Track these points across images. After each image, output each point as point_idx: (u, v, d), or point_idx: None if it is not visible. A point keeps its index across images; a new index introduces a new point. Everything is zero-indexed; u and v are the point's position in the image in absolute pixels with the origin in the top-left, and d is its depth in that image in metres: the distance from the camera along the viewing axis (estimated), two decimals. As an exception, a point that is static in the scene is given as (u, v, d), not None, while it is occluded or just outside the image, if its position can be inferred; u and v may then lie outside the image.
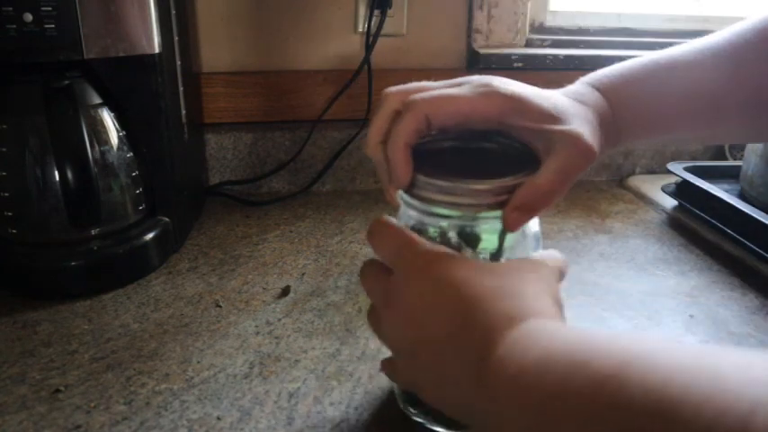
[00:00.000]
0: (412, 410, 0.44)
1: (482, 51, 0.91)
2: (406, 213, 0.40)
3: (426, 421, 0.43)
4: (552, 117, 0.37)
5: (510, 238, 0.38)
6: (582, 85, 0.43)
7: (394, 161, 0.37)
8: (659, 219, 0.83)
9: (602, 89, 0.42)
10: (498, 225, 0.37)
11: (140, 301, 0.59)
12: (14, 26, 0.53)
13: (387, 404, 0.45)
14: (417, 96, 0.37)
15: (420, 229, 0.39)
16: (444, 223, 0.38)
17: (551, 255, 0.38)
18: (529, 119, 0.37)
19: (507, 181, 0.36)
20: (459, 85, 0.39)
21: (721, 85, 0.43)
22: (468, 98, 0.37)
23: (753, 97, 0.43)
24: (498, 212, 0.37)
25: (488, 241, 0.38)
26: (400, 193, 0.39)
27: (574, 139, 0.36)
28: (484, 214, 0.37)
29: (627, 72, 0.44)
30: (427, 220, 0.39)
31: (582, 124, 0.38)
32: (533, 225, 0.40)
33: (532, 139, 0.38)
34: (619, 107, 0.42)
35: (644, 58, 0.45)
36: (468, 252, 0.38)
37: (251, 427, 0.43)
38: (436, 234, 0.39)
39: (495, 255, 0.39)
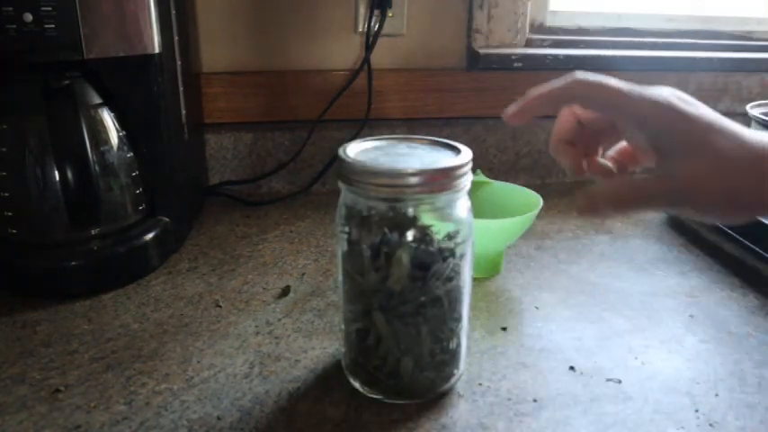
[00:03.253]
0: (368, 389, 0.46)
1: (482, 51, 0.91)
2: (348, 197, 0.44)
3: (384, 397, 0.45)
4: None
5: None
6: None
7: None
8: (659, 219, 0.83)
9: None
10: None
11: (140, 301, 0.59)
12: (14, 26, 0.53)
13: (387, 405, 0.45)
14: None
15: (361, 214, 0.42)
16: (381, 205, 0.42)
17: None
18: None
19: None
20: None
21: None
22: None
23: None
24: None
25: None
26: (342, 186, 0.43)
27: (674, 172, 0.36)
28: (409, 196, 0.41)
29: None
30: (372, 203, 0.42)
31: (705, 162, 0.35)
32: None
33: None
34: None
35: None
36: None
37: (251, 427, 0.43)
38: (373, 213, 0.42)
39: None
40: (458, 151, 0.43)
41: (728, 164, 0.35)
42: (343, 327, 0.47)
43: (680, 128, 0.36)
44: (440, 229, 0.42)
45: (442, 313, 0.44)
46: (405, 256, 0.41)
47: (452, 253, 0.43)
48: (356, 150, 0.43)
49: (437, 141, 0.45)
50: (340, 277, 0.45)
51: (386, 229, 0.42)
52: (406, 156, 0.43)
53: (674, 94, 0.37)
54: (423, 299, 0.42)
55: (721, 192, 0.35)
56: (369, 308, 0.43)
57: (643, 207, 0.39)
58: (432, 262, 0.42)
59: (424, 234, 0.42)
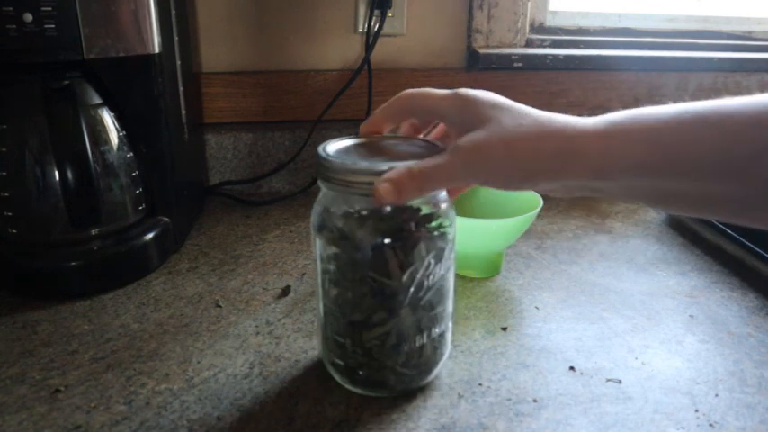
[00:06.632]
0: (353, 387, 0.46)
1: (482, 51, 0.91)
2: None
3: (367, 391, 0.46)
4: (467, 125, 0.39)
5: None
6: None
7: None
8: (659, 219, 0.83)
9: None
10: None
11: (140, 301, 0.59)
12: (14, 26, 0.53)
13: (387, 405, 0.45)
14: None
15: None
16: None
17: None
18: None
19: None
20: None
21: None
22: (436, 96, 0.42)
23: None
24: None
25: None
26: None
27: (453, 148, 0.39)
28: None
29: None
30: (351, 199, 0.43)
31: (488, 138, 0.38)
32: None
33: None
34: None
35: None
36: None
37: (251, 427, 0.43)
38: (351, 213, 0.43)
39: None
40: (433, 146, 0.44)
41: (509, 134, 0.37)
42: (347, 341, 0.44)
43: (469, 109, 0.40)
44: (433, 216, 0.44)
45: (441, 295, 0.45)
46: (423, 248, 0.42)
47: (445, 236, 0.44)
48: (335, 150, 0.43)
49: (407, 137, 0.47)
50: (335, 291, 0.44)
51: (399, 226, 0.42)
52: (386, 151, 0.44)
53: (470, 90, 0.41)
54: (430, 285, 0.44)
55: (505, 161, 0.37)
56: (394, 307, 0.43)
57: (444, 182, 0.40)
58: (442, 248, 0.43)
59: (429, 222, 0.43)
